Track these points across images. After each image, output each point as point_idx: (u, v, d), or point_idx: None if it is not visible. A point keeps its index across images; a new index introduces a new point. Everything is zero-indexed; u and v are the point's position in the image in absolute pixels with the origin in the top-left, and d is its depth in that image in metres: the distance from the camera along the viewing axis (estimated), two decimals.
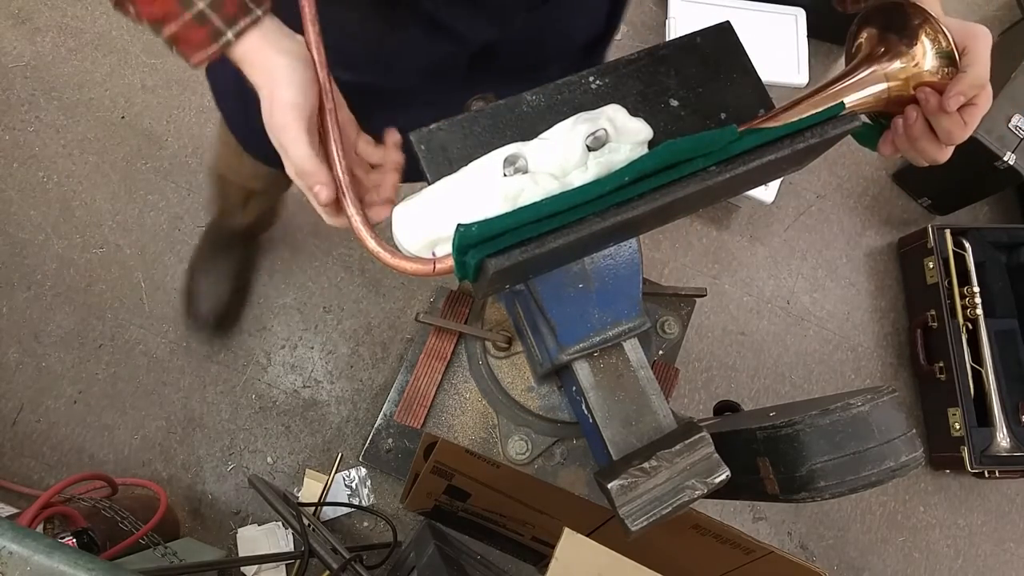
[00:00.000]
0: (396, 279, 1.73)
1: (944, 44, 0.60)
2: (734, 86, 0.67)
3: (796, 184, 2.00)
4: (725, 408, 1.08)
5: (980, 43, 0.60)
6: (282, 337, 1.66)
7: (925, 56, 0.62)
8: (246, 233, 1.56)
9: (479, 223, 0.53)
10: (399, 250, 0.58)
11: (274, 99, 0.53)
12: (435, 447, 0.94)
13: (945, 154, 0.63)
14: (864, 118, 0.64)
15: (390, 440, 1.53)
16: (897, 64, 0.63)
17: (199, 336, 1.61)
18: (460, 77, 0.77)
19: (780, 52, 1.74)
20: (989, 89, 0.61)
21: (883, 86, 0.63)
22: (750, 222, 1.94)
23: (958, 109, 0.60)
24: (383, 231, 0.58)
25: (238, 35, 0.52)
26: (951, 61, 0.61)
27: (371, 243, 0.56)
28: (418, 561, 1.10)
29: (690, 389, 1.79)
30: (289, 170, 0.57)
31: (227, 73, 0.89)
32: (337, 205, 0.57)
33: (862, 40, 0.67)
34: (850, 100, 0.63)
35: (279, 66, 0.53)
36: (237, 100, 0.91)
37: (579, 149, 0.57)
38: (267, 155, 1.07)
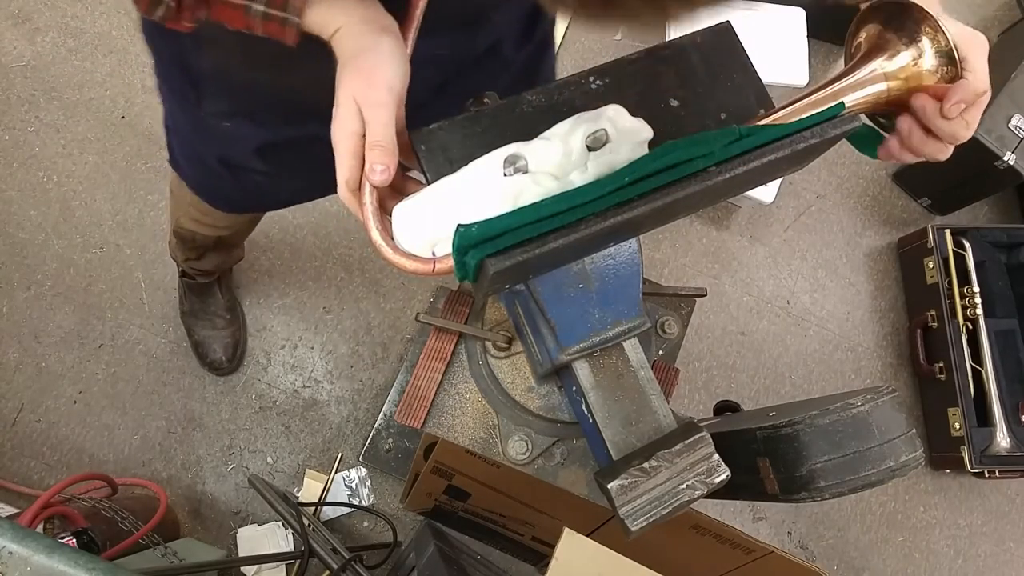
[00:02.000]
0: (396, 279, 1.73)
1: (943, 43, 0.60)
2: (734, 86, 0.67)
3: (796, 184, 2.00)
4: (725, 408, 1.08)
5: (978, 51, 0.61)
6: (282, 337, 1.66)
7: (924, 55, 0.61)
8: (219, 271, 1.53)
9: (479, 223, 0.53)
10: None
11: (375, 75, 0.55)
12: (435, 447, 0.94)
13: (947, 151, 0.64)
14: (864, 118, 0.64)
15: (390, 440, 1.53)
16: (897, 63, 0.63)
17: (223, 375, 1.61)
18: None
19: (780, 52, 1.74)
20: (988, 92, 0.61)
21: (883, 86, 0.63)
22: (750, 222, 1.94)
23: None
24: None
25: (299, 13, 0.56)
26: (950, 60, 0.61)
27: (375, 234, 0.56)
28: (418, 561, 1.10)
29: (690, 389, 1.79)
30: (345, 137, 0.56)
31: (189, 147, 0.91)
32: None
33: (861, 40, 0.66)
34: (850, 100, 0.63)
35: (384, 44, 0.55)
36: (201, 167, 0.92)
37: (579, 149, 0.57)
38: (253, 208, 1.06)
